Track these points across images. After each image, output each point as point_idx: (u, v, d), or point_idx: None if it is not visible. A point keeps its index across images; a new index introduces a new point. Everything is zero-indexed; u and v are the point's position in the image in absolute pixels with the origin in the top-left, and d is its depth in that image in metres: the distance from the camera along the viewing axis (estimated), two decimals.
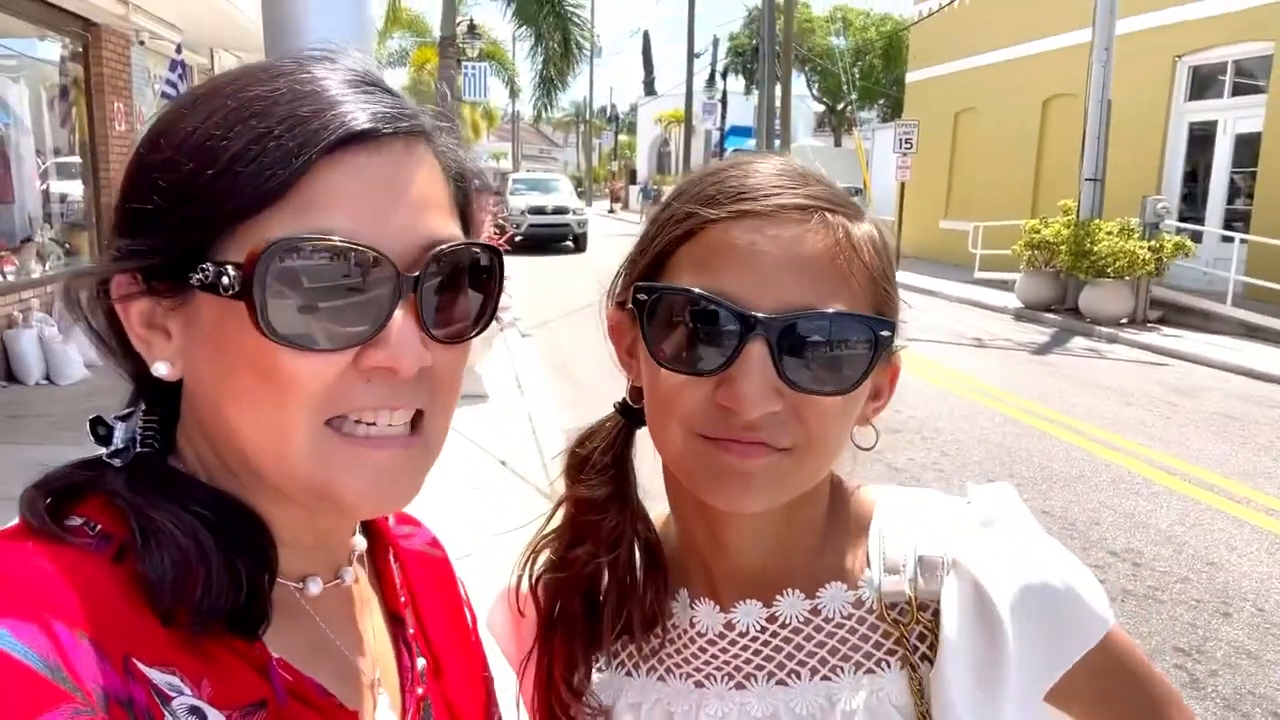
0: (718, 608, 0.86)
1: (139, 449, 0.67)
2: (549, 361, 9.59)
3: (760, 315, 0.72)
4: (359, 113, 0.62)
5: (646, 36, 70.83)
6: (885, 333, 0.75)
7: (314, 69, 0.66)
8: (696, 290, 0.74)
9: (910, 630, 0.81)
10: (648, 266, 0.81)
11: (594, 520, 0.87)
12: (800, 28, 35.34)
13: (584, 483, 0.88)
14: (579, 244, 24.33)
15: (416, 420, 0.67)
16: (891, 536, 0.85)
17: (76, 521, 0.62)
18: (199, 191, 0.61)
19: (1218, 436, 7.53)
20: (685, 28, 34.69)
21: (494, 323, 0.72)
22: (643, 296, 0.77)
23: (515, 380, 8.21)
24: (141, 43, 10.29)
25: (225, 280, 0.60)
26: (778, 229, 0.74)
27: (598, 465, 0.88)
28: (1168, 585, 4.66)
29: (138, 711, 0.55)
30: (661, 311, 0.76)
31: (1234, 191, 15.43)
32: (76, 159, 9.47)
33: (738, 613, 0.85)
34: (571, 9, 18.13)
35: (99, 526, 0.62)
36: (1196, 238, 13.98)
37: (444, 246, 0.64)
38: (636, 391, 0.86)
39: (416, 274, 0.62)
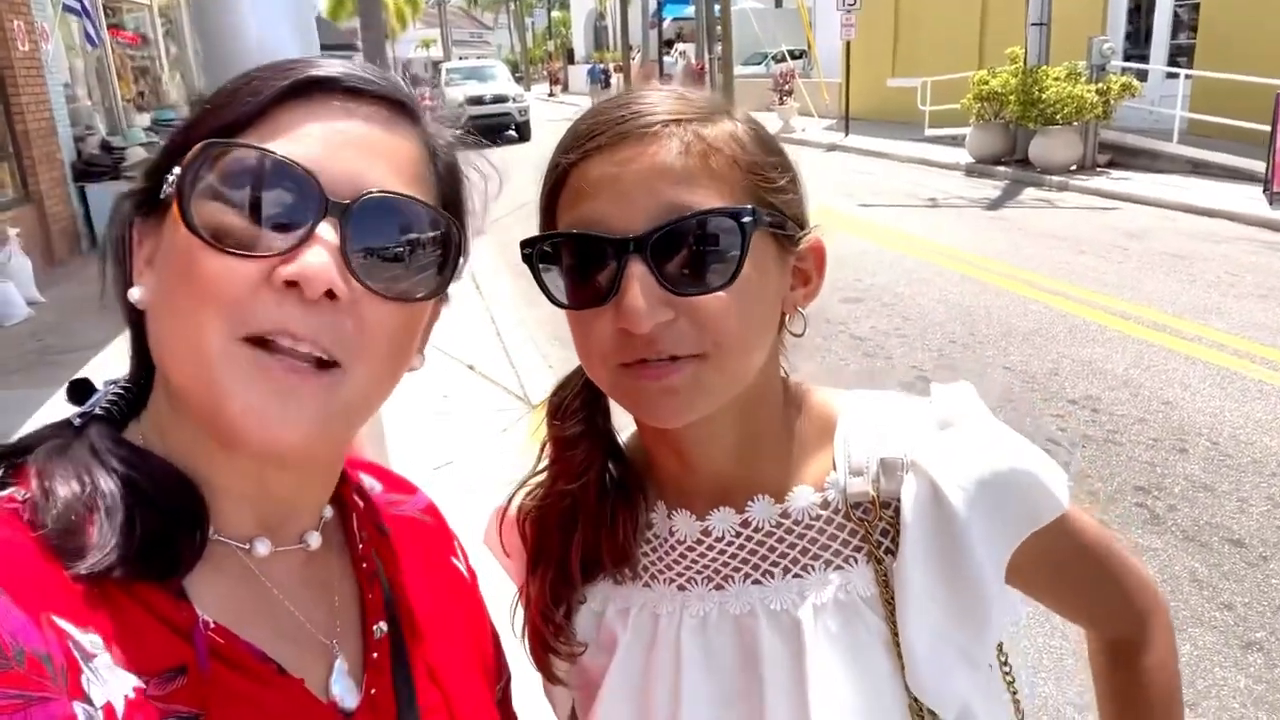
0: (694, 516, 0.91)
1: (97, 412, 0.69)
2: (504, 259, 9.43)
3: (628, 234, 0.75)
4: (336, 69, 0.69)
5: None
6: (747, 219, 0.77)
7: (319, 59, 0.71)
8: (567, 230, 0.79)
9: (874, 527, 0.86)
10: (542, 225, 0.84)
11: (567, 455, 0.93)
12: None
13: (559, 424, 0.93)
14: (522, 133, 23.64)
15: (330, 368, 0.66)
16: (855, 441, 0.89)
17: (9, 489, 0.63)
18: (188, 131, 0.67)
19: (1168, 276, 7.71)
20: None
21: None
22: (528, 251, 0.82)
23: (472, 280, 8.10)
24: None
25: (170, 179, 0.65)
26: (626, 152, 0.77)
27: (570, 408, 0.93)
28: (1126, 428, 4.85)
29: (55, 666, 0.55)
30: (549, 260, 0.81)
31: (1178, 25, 15.29)
32: None
33: (713, 520, 0.90)
34: None
35: (27, 494, 0.63)
36: (1142, 76, 13.91)
37: (380, 190, 0.66)
38: None
39: (347, 203, 0.64)
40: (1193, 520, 3.93)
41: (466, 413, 5.33)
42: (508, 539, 1.00)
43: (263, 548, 0.71)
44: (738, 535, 0.90)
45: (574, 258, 0.79)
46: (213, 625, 0.65)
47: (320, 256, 0.62)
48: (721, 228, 0.76)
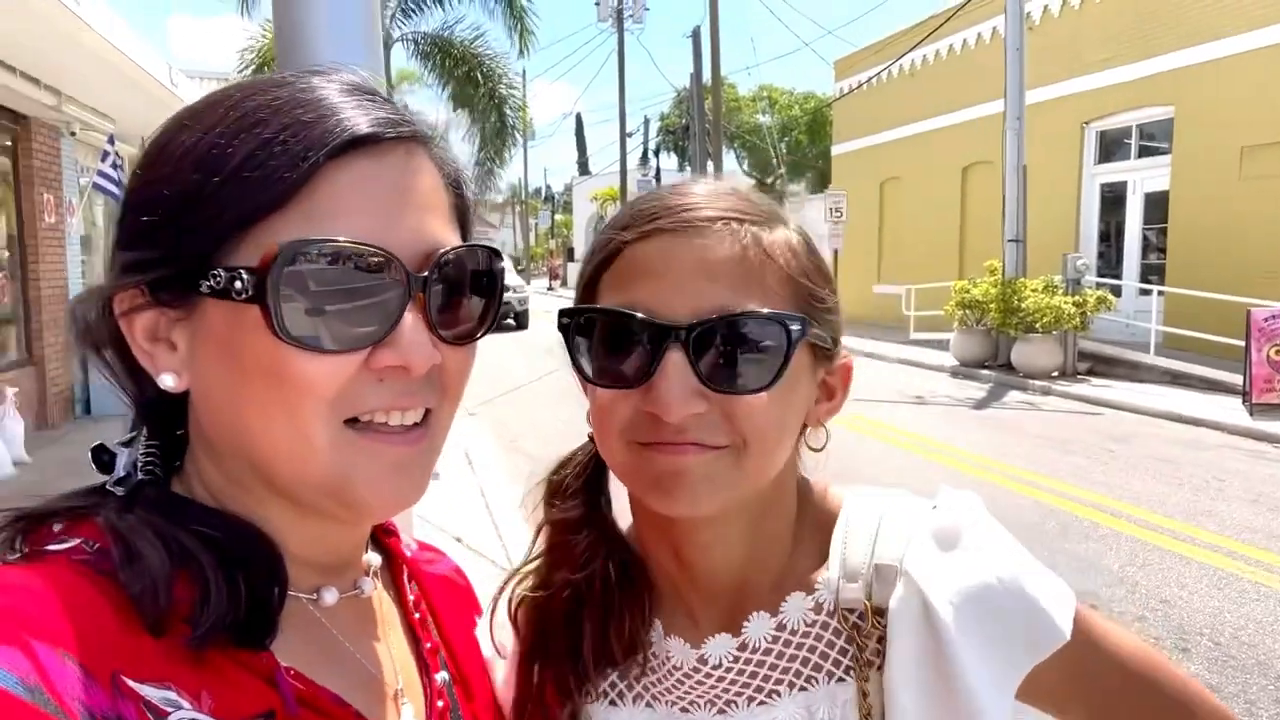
0: (688, 644, 0.87)
1: (140, 476, 0.67)
2: (497, 438, 9.49)
3: (672, 323, 0.75)
4: (361, 118, 0.64)
5: (579, 118, 72.52)
6: (795, 327, 0.76)
7: (313, 79, 0.67)
8: (611, 307, 0.78)
9: (869, 635, 0.81)
10: (581, 295, 0.84)
11: (568, 540, 0.89)
12: (728, 107, 36.53)
13: (558, 506, 0.90)
14: (520, 321, 24.34)
15: (425, 417, 0.68)
16: (854, 543, 0.85)
17: (74, 541, 0.61)
18: (205, 199, 0.61)
19: (1155, 479, 7.75)
20: (617, 110, 35.64)
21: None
22: (566, 320, 0.80)
23: (465, 457, 8.10)
24: (73, 134, 10.18)
25: (239, 285, 0.60)
26: (685, 240, 0.77)
27: (571, 489, 0.90)
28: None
29: None
30: (585, 332, 0.80)
31: (1147, 247, 16.21)
32: (4, 252, 9.24)
33: (708, 648, 0.86)
34: (507, 91, 18.53)
35: (96, 545, 0.61)
36: (1116, 292, 14.59)
37: (449, 250, 0.66)
38: None
39: (425, 275, 0.64)
40: None
41: None
42: (499, 636, 0.94)
43: (330, 596, 0.71)
44: (735, 660, 0.86)
45: (613, 336, 0.78)
46: (292, 672, 0.64)
47: (419, 336, 0.63)
48: (768, 332, 0.76)
